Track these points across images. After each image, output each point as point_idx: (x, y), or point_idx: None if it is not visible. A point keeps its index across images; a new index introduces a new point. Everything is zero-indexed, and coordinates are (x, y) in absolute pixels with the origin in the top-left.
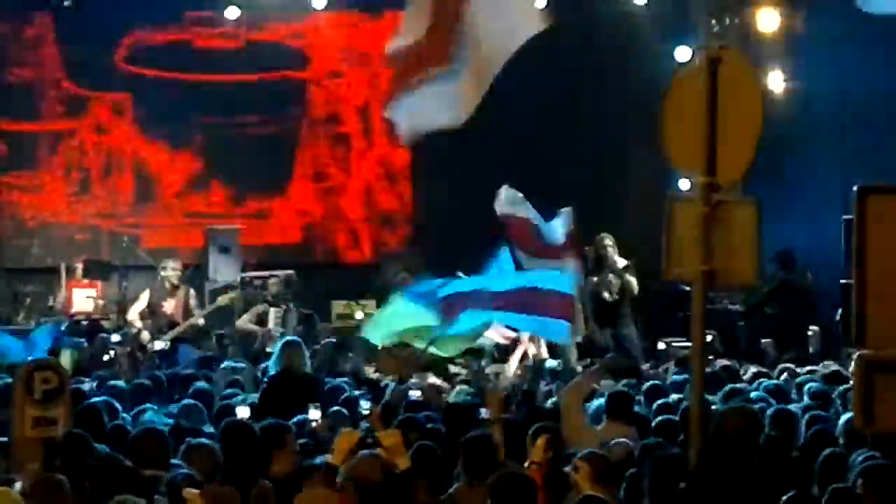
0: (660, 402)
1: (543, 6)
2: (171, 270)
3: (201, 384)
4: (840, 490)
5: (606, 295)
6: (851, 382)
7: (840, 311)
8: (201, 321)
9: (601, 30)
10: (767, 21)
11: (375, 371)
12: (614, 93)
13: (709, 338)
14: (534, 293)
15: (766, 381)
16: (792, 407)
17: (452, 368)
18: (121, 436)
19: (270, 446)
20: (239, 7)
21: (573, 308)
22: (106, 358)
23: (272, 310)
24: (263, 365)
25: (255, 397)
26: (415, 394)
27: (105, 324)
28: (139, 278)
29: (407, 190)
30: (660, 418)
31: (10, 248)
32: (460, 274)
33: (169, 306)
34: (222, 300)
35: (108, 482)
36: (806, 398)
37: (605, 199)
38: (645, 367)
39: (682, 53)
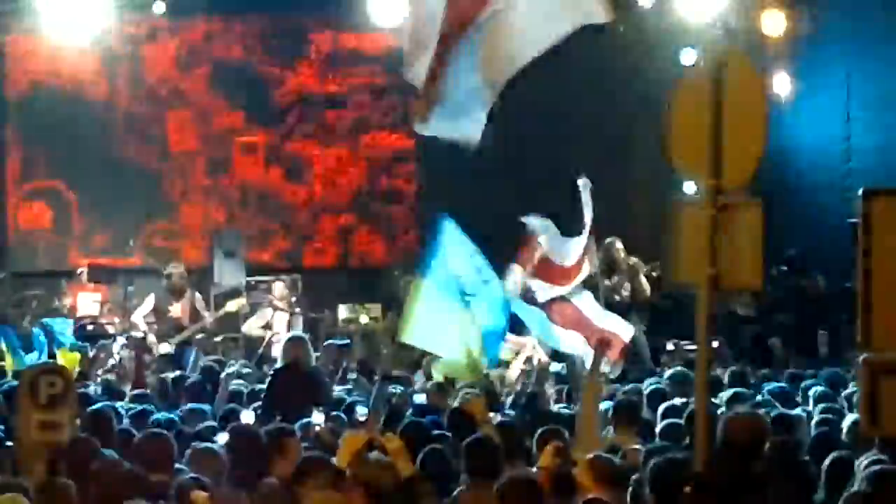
0: (665, 405)
1: None
2: (175, 273)
3: (205, 388)
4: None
5: (617, 298)
6: (853, 386)
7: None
8: (209, 325)
9: (607, 31)
10: (773, 23)
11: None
12: (620, 94)
13: (715, 343)
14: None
15: (769, 385)
16: (798, 411)
17: None
18: (128, 440)
19: (272, 451)
20: None
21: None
22: (111, 362)
23: (278, 314)
24: (270, 370)
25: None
26: (419, 398)
27: (110, 328)
28: (144, 282)
29: (412, 193)
30: (665, 422)
31: (17, 253)
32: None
33: (175, 310)
34: (231, 306)
35: (115, 487)
36: (812, 402)
37: (609, 200)
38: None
39: (688, 56)
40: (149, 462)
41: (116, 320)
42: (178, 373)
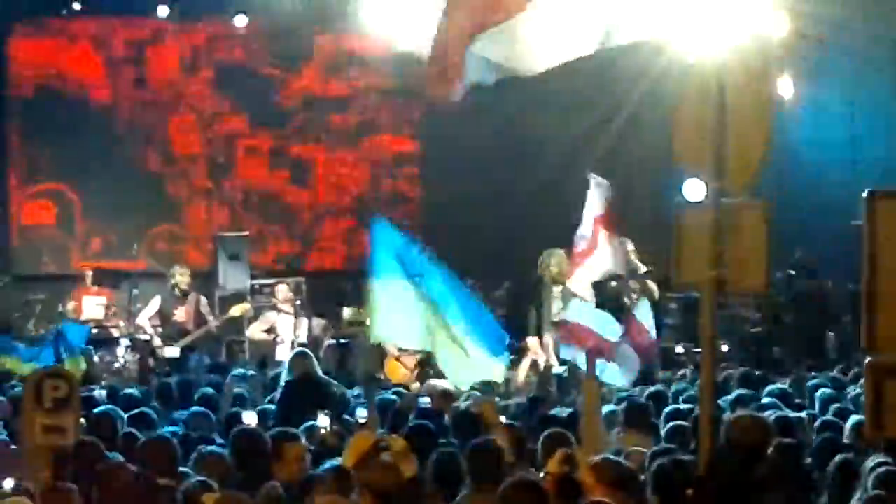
0: (671, 408)
1: None
2: (179, 277)
3: (209, 391)
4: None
5: (627, 300)
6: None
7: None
8: (214, 329)
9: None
10: (777, 24)
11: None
12: (624, 94)
13: (725, 347)
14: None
15: (771, 387)
16: (802, 413)
17: None
18: (132, 444)
19: (272, 456)
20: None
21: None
22: (116, 365)
23: (282, 317)
24: (273, 373)
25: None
26: (424, 401)
27: (114, 332)
28: (149, 285)
29: (416, 195)
30: (671, 424)
31: (21, 256)
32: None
33: (180, 314)
34: (236, 311)
35: (121, 490)
36: (818, 405)
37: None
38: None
39: (693, 57)
40: (152, 465)
41: (121, 324)
42: (182, 377)
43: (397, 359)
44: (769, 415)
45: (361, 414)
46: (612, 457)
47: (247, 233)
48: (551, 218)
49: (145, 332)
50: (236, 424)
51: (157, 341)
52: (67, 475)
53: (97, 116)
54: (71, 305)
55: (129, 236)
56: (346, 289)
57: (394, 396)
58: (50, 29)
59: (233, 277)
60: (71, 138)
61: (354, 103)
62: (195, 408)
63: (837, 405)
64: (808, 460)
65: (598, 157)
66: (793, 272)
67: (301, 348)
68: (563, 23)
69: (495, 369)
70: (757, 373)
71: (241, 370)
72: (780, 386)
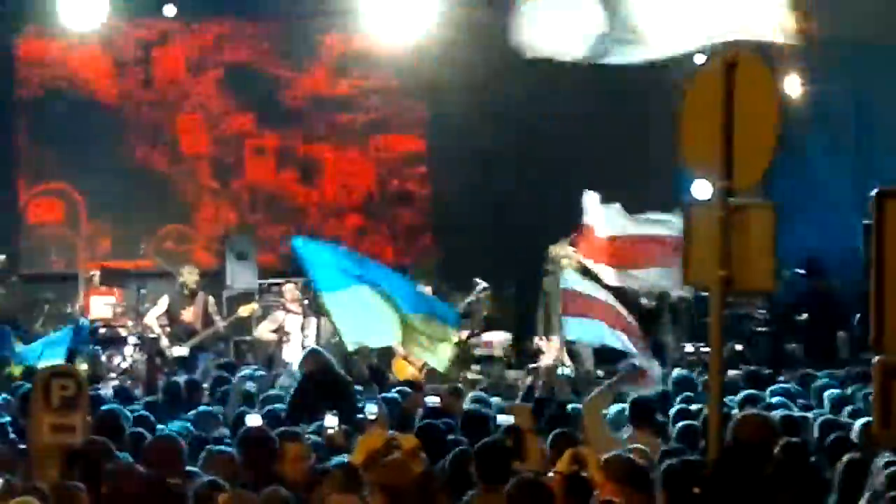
0: (678, 407)
1: None
2: (188, 276)
3: (217, 391)
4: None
5: (644, 301)
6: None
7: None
8: (222, 329)
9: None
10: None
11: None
12: (631, 94)
13: (738, 347)
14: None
15: (776, 386)
16: (808, 413)
17: (470, 375)
18: (139, 443)
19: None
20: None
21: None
22: (124, 365)
23: (290, 317)
24: (281, 372)
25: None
26: (432, 400)
27: (122, 331)
28: (156, 285)
29: (424, 195)
30: (681, 424)
31: (29, 256)
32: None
33: (188, 314)
34: (244, 311)
35: (130, 490)
36: (826, 404)
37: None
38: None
39: (698, 57)
40: (158, 464)
41: (129, 323)
42: (190, 376)
43: (405, 358)
44: (775, 414)
45: (372, 409)
46: (622, 453)
47: (254, 233)
48: (559, 217)
49: (153, 332)
50: (243, 425)
51: (165, 341)
52: (76, 474)
53: (104, 117)
54: (79, 305)
55: (137, 236)
56: None
57: (397, 395)
58: (58, 30)
59: (240, 277)
60: (78, 138)
61: (362, 103)
62: (202, 407)
63: (850, 406)
64: (814, 459)
65: (607, 155)
66: (801, 271)
67: (313, 346)
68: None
69: (451, 336)
70: (765, 372)
71: (249, 370)
72: (785, 385)
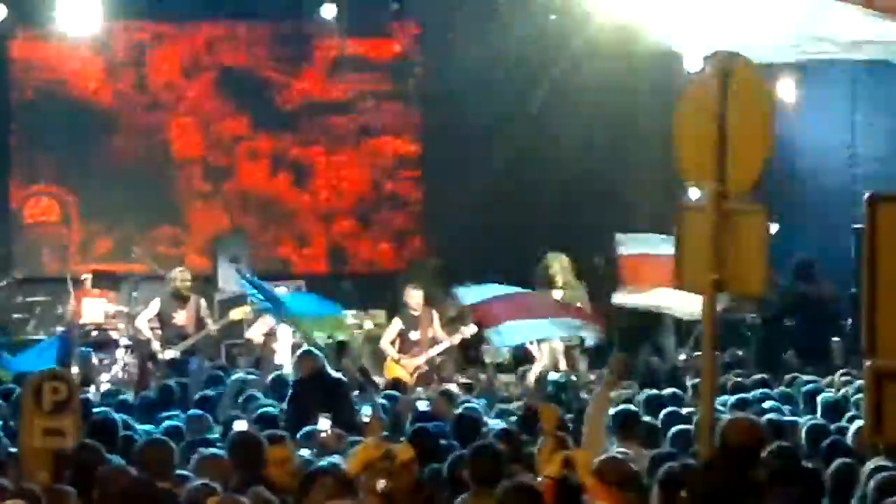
0: (669, 410)
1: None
2: (180, 278)
3: (209, 394)
4: None
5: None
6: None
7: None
8: (214, 332)
9: (609, 36)
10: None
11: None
12: (623, 101)
13: (739, 352)
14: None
15: (765, 391)
16: (798, 418)
17: (462, 379)
18: (130, 447)
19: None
20: None
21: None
22: (115, 368)
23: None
24: (273, 375)
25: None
26: (423, 404)
27: (114, 334)
28: (149, 288)
29: (417, 198)
30: (675, 428)
31: (21, 259)
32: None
33: (180, 318)
34: (235, 314)
35: (121, 494)
36: (820, 409)
37: (612, 204)
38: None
39: (692, 62)
40: (149, 468)
41: (121, 326)
42: (183, 379)
43: (396, 361)
44: (765, 419)
45: (367, 412)
46: (616, 456)
47: (247, 236)
48: (553, 221)
49: (144, 335)
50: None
51: (156, 344)
52: (66, 478)
53: (97, 119)
54: (71, 308)
55: (129, 239)
56: (346, 291)
57: (385, 401)
58: (51, 32)
59: (233, 281)
60: (71, 141)
61: (355, 106)
62: (193, 411)
63: (843, 410)
64: (809, 464)
65: (600, 159)
66: (793, 275)
67: (306, 348)
68: None
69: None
70: (756, 377)
71: (241, 373)
72: (776, 390)
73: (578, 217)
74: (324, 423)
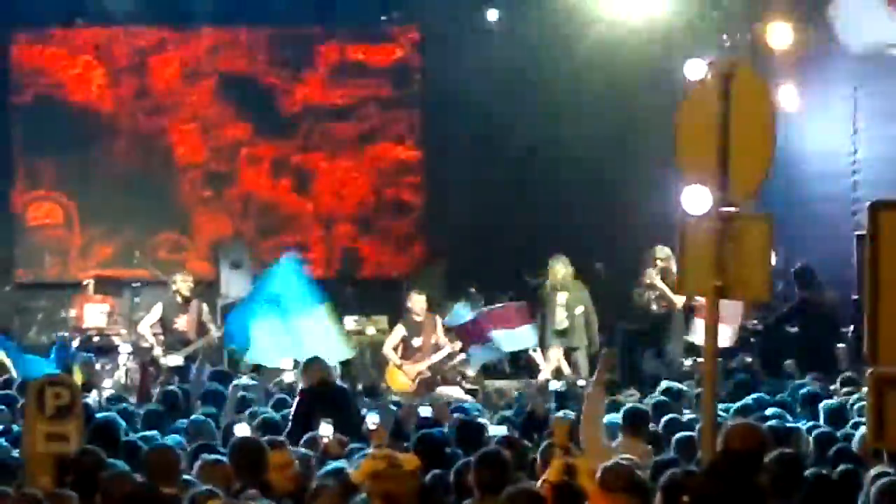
0: (670, 416)
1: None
2: (181, 283)
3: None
4: None
5: (654, 307)
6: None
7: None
8: (216, 338)
9: (611, 42)
10: (779, 35)
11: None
12: (625, 107)
13: (748, 359)
14: (485, 317)
15: (767, 396)
16: (801, 424)
17: (466, 385)
18: (132, 452)
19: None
20: None
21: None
22: (118, 373)
23: None
24: (274, 381)
25: (266, 413)
26: (425, 411)
27: (116, 339)
28: (151, 294)
29: (419, 204)
30: (679, 435)
31: (23, 264)
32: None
33: (181, 323)
34: None
35: (124, 499)
36: (822, 416)
37: (614, 209)
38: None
39: (693, 69)
40: (155, 474)
41: (123, 332)
42: (183, 385)
43: (399, 367)
44: (768, 425)
45: (373, 419)
46: (622, 462)
47: (248, 241)
48: (554, 225)
49: (146, 341)
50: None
51: (158, 350)
52: (67, 484)
53: (99, 124)
54: (73, 313)
55: (131, 245)
56: (348, 297)
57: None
58: (52, 37)
59: (235, 286)
60: (73, 147)
61: (356, 112)
62: (196, 416)
63: (846, 417)
64: (812, 470)
65: (600, 165)
66: (794, 282)
67: (312, 356)
68: None
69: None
70: (757, 381)
71: (243, 378)
72: (778, 396)
73: (580, 222)
74: (325, 429)
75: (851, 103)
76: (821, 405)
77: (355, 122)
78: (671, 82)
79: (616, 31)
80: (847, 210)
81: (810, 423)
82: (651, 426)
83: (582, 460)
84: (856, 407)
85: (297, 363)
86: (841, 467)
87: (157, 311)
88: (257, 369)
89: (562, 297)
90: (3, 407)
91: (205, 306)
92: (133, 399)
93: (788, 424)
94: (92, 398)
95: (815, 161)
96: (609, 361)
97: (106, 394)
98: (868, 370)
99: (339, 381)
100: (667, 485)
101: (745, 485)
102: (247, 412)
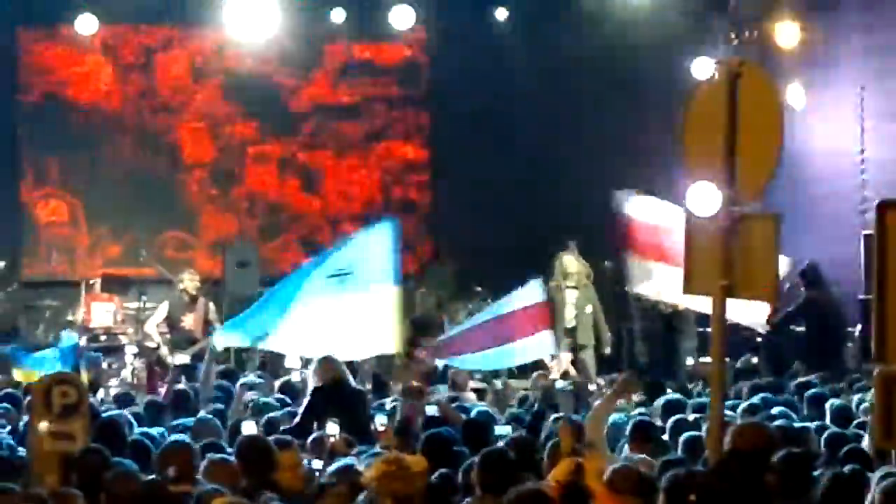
0: (677, 417)
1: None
2: (188, 282)
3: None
4: None
5: (663, 307)
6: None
7: (860, 326)
8: None
9: (618, 40)
10: (787, 34)
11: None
12: (632, 105)
13: (754, 360)
14: (500, 321)
15: (775, 396)
16: (807, 424)
17: (474, 384)
18: (140, 450)
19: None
20: None
21: (547, 315)
22: (124, 372)
23: None
24: (282, 380)
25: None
26: (431, 410)
27: (123, 338)
28: (158, 292)
29: (426, 203)
30: (686, 435)
31: (30, 262)
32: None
33: (188, 321)
34: None
35: (129, 498)
36: (829, 415)
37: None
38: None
39: (701, 67)
40: (172, 471)
41: (130, 330)
42: (192, 384)
43: (406, 365)
44: (775, 425)
45: (381, 420)
46: (629, 465)
47: (255, 240)
48: (562, 225)
49: (153, 340)
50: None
51: (164, 349)
52: (73, 481)
53: (106, 123)
54: (80, 312)
55: (138, 243)
56: None
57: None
58: (60, 36)
59: (242, 285)
60: (80, 145)
61: (364, 111)
62: (202, 415)
63: (850, 416)
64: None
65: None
66: (801, 281)
67: (325, 353)
68: None
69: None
70: (765, 382)
71: (250, 377)
72: (784, 396)
73: (588, 220)
74: (332, 429)
75: (859, 102)
76: (827, 405)
77: (362, 121)
78: (679, 82)
79: (624, 29)
80: (854, 209)
81: (818, 423)
82: (658, 424)
83: (589, 460)
84: (862, 407)
85: (304, 362)
86: (847, 467)
87: (163, 309)
88: (263, 367)
89: (571, 296)
90: (8, 406)
91: (211, 305)
92: (140, 398)
93: (797, 424)
94: (98, 397)
95: (822, 160)
96: (630, 385)
97: (113, 392)
98: (875, 369)
99: (353, 383)
100: (669, 486)
101: (753, 484)
102: (249, 410)
